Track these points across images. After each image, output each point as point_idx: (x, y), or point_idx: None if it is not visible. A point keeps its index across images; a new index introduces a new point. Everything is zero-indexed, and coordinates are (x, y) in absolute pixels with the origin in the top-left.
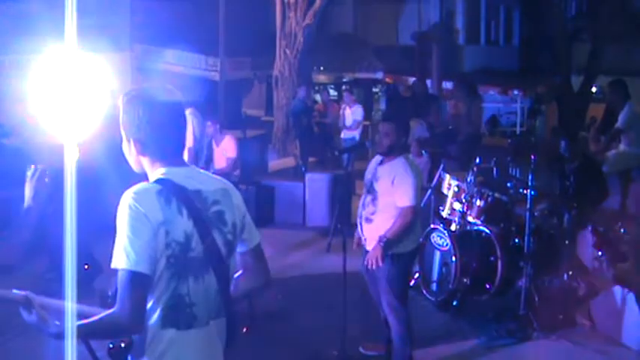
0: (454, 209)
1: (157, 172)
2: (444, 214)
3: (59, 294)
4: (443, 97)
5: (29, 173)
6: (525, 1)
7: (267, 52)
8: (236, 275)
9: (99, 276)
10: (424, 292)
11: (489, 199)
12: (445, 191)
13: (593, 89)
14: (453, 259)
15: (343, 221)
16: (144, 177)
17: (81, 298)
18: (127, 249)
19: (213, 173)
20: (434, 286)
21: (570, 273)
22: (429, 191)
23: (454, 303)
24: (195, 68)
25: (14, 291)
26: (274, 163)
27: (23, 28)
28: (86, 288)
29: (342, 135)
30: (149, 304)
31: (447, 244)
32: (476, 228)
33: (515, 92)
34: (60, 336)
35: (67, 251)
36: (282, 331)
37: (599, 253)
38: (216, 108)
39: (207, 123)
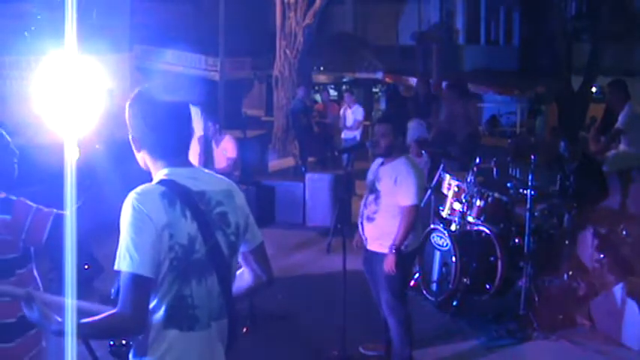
0: (454, 209)
1: (160, 172)
2: (444, 214)
3: (59, 294)
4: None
5: None
6: (525, 1)
7: (267, 52)
8: (238, 274)
9: (99, 276)
10: (424, 292)
11: (489, 199)
12: (445, 191)
13: (593, 89)
14: (453, 259)
15: (343, 221)
16: (144, 176)
17: (81, 298)
18: (130, 251)
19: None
20: (434, 286)
21: (570, 273)
22: (429, 191)
23: (454, 303)
24: (195, 68)
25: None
26: (274, 163)
27: (23, 28)
28: (86, 288)
29: (343, 135)
30: (152, 305)
31: (447, 244)
32: (476, 228)
33: (516, 92)
34: (61, 333)
35: (67, 251)
36: (282, 331)
37: (601, 256)
38: (216, 108)
39: (209, 123)
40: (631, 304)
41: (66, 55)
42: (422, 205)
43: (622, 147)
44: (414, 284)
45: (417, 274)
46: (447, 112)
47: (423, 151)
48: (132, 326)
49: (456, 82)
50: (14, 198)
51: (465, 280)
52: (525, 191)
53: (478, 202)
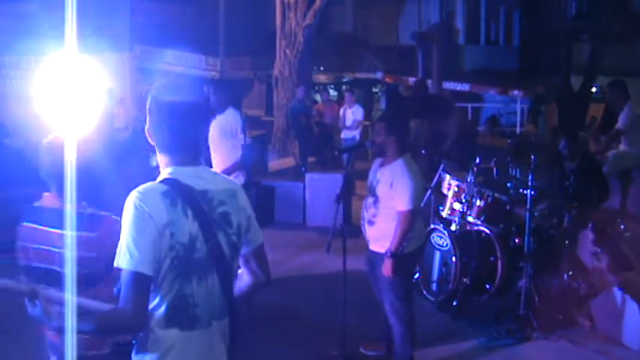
0: (454, 209)
1: (165, 170)
2: (444, 214)
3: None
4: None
5: None
6: (525, 1)
7: (267, 52)
8: (238, 274)
9: None
10: (424, 292)
11: (489, 199)
12: (445, 191)
13: (593, 89)
14: (453, 259)
15: (343, 221)
16: (144, 177)
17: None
18: (130, 249)
19: None
20: (434, 286)
21: (570, 273)
22: (429, 191)
23: (454, 303)
24: (195, 68)
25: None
26: (274, 163)
27: (24, 29)
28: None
29: (343, 135)
30: (153, 304)
31: (447, 244)
32: (476, 228)
33: (515, 92)
34: (62, 330)
35: (67, 251)
36: (282, 330)
37: (599, 249)
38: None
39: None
40: (631, 304)
41: (66, 55)
42: (422, 205)
43: (622, 147)
44: (414, 284)
45: (417, 274)
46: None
47: (422, 151)
48: (132, 323)
49: (437, 99)
50: (103, 213)
51: (465, 280)
52: (525, 191)
53: (478, 202)
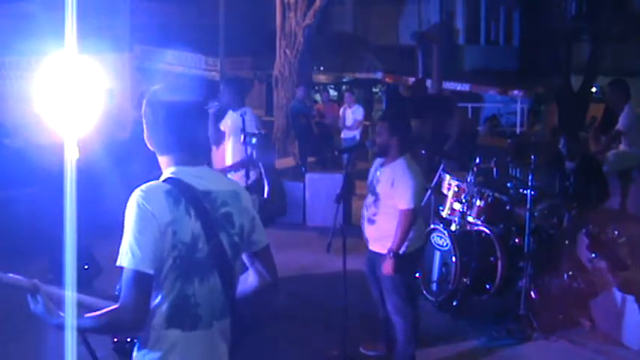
0: (454, 209)
1: (167, 170)
2: (444, 214)
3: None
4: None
5: None
6: (525, 1)
7: (267, 52)
8: (243, 275)
9: (98, 276)
10: (424, 292)
11: (489, 199)
12: (445, 191)
13: (593, 89)
14: (453, 259)
15: (343, 221)
16: (144, 177)
17: None
18: (132, 247)
19: None
20: (434, 286)
21: (570, 273)
22: (429, 191)
23: (454, 303)
24: (195, 68)
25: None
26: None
27: (24, 29)
28: (86, 288)
29: (343, 135)
30: (155, 303)
31: (447, 244)
32: (476, 228)
33: (515, 92)
34: (62, 327)
35: (67, 251)
36: (282, 330)
37: (593, 255)
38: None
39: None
40: (631, 304)
41: (66, 55)
42: (422, 204)
43: (622, 147)
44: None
45: (417, 274)
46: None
47: (422, 151)
48: (132, 322)
49: (440, 98)
50: None
51: (465, 280)
52: (525, 191)
53: (478, 202)
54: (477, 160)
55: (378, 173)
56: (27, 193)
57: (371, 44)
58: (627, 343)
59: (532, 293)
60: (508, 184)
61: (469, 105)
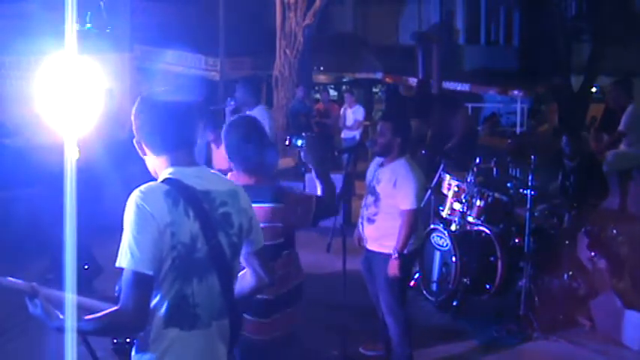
0: (454, 209)
1: (165, 171)
2: (444, 214)
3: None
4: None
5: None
6: (525, 1)
7: (267, 52)
8: (240, 274)
9: (98, 276)
10: (424, 292)
11: (489, 199)
12: (445, 191)
13: (593, 89)
14: (453, 259)
15: (343, 221)
16: (144, 177)
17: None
18: (132, 248)
19: None
20: (434, 286)
21: (570, 273)
22: (429, 191)
23: (454, 303)
24: (195, 68)
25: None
26: None
27: (24, 29)
28: (86, 288)
29: (343, 135)
30: (154, 303)
31: (447, 244)
32: (476, 228)
33: (515, 92)
34: (61, 330)
35: (67, 251)
36: None
37: (593, 254)
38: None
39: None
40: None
41: (66, 55)
42: (422, 204)
43: (622, 147)
44: (413, 284)
45: (417, 274)
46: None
47: (422, 151)
48: (133, 323)
49: (444, 98)
50: (283, 186)
51: (465, 280)
52: (525, 191)
53: (478, 202)
54: (477, 160)
55: (378, 174)
56: (27, 193)
57: (371, 44)
58: (627, 343)
59: (532, 293)
60: (508, 184)
61: (469, 105)
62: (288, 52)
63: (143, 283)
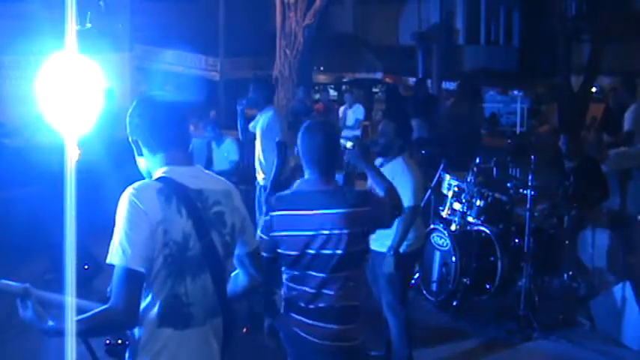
0: (454, 209)
1: (159, 170)
2: (444, 214)
3: (60, 294)
4: (442, 97)
5: None
6: (525, 1)
7: (267, 52)
8: (233, 275)
9: (98, 276)
10: (424, 292)
11: (489, 199)
12: (445, 191)
13: (593, 89)
14: (453, 259)
15: None
16: (143, 177)
17: (81, 298)
18: (123, 245)
19: (217, 174)
20: (434, 286)
21: (570, 273)
22: (429, 191)
23: (454, 303)
24: (195, 68)
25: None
26: None
27: (24, 29)
28: (86, 288)
29: (343, 134)
30: (146, 303)
31: (447, 244)
32: (476, 228)
33: (515, 92)
34: (50, 333)
35: (67, 251)
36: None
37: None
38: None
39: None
40: (631, 304)
41: (66, 55)
42: (422, 205)
43: (622, 147)
44: (414, 284)
45: (417, 274)
46: (451, 111)
47: (423, 151)
48: (125, 320)
49: (468, 80)
50: (363, 189)
51: (464, 280)
52: (525, 191)
53: (478, 202)
54: (477, 160)
55: None
56: (27, 193)
57: (371, 44)
58: (627, 343)
59: (532, 293)
60: (508, 184)
61: None
62: (288, 52)
63: (134, 280)
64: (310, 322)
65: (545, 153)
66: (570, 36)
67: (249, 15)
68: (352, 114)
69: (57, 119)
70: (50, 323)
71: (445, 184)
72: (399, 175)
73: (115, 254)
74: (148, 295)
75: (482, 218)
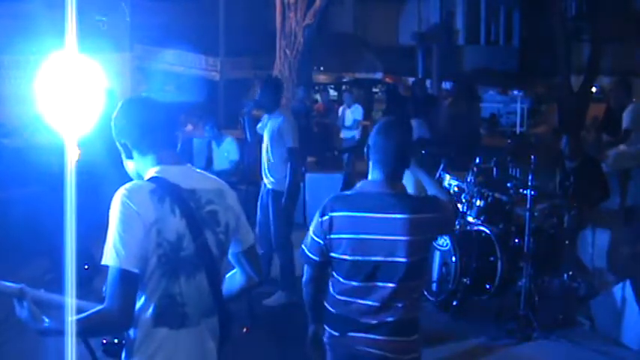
0: None
1: (151, 170)
2: None
3: (59, 294)
4: (442, 97)
5: None
6: (525, 1)
7: (267, 52)
8: (229, 274)
9: (98, 276)
10: (424, 292)
11: (489, 199)
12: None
13: (593, 89)
14: (453, 259)
15: None
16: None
17: (80, 297)
18: (117, 246)
19: (216, 174)
20: (434, 286)
21: (570, 273)
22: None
23: (454, 303)
24: (195, 68)
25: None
26: None
27: (24, 29)
28: (86, 288)
29: (342, 135)
30: (141, 303)
31: (446, 244)
32: (476, 228)
33: (515, 92)
34: (46, 333)
35: (67, 251)
36: (282, 330)
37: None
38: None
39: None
40: (631, 304)
41: (66, 54)
42: None
43: (622, 147)
44: None
45: None
46: (448, 111)
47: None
48: (120, 321)
49: (464, 80)
50: (429, 195)
51: (464, 280)
52: (525, 191)
53: (478, 202)
54: (477, 160)
55: None
56: (27, 193)
57: (371, 44)
58: (627, 343)
59: (532, 293)
60: (508, 184)
61: None
62: (288, 52)
63: (128, 281)
64: (378, 337)
65: (545, 153)
66: (570, 36)
67: (249, 15)
68: (351, 114)
69: (57, 119)
70: (46, 322)
71: (445, 184)
72: None
73: (109, 255)
74: (142, 296)
75: (482, 218)
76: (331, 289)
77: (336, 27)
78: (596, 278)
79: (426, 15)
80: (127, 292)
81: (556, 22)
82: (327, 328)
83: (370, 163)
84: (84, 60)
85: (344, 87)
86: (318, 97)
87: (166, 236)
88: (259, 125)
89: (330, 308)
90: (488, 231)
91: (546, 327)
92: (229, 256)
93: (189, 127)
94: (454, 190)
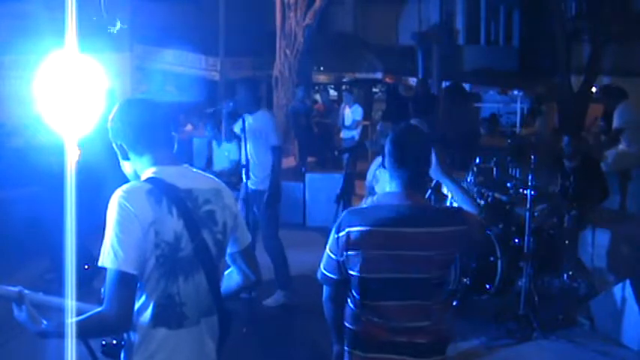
0: None
1: (148, 170)
2: None
3: (59, 294)
4: (442, 97)
5: None
6: (525, 1)
7: (267, 52)
8: (226, 273)
9: (98, 276)
10: None
11: (489, 199)
12: (445, 191)
13: (593, 89)
14: None
15: None
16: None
17: (81, 298)
18: (115, 248)
19: (216, 174)
20: None
21: (570, 273)
22: (429, 191)
23: (454, 303)
24: (195, 68)
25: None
26: None
27: (24, 29)
28: (86, 288)
29: (342, 134)
30: (139, 303)
31: None
32: None
33: (515, 92)
34: (44, 335)
35: (67, 251)
36: (282, 330)
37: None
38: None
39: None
40: (631, 304)
41: (66, 54)
42: None
43: (622, 147)
44: None
45: None
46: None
47: None
48: (118, 323)
49: (453, 86)
50: (454, 205)
51: (465, 280)
52: (525, 191)
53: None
54: (477, 160)
55: (378, 172)
56: (27, 193)
57: (371, 44)
58: (627, 343)
59: (532, 293)
60: (508, 184)
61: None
62: (288, 52)
63: (127, 283)
64: (401, 358)
65: (545, 153)
66: (570, 36)
67: (249, 15)
68: (350, 114)
69: (57, 120)
70: (45, 324)
71: None
72: None
73: (107, 257)
74: (141, 296)
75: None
76: (351, 306)
77: (336, 27)
78: (596, 278)
79: (426, 15)
80: (126, 294)
81: (556, 22)
82: (346, 347)
83: (387, 175)
84: (85, 60)
85: (344, 87)
86: (318, 97)
87: (164, 237)
88: (235, 126)
89: (350, 326)
90: (488, 231)
91: (546, 327)
92: (226, 256)
93: (189, 127)
94: None
